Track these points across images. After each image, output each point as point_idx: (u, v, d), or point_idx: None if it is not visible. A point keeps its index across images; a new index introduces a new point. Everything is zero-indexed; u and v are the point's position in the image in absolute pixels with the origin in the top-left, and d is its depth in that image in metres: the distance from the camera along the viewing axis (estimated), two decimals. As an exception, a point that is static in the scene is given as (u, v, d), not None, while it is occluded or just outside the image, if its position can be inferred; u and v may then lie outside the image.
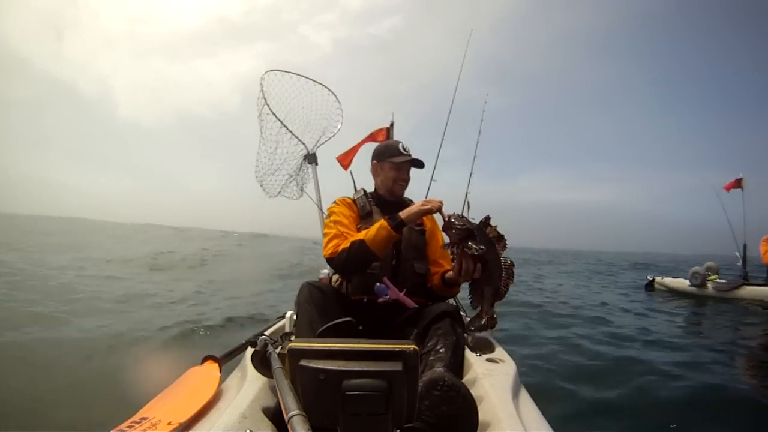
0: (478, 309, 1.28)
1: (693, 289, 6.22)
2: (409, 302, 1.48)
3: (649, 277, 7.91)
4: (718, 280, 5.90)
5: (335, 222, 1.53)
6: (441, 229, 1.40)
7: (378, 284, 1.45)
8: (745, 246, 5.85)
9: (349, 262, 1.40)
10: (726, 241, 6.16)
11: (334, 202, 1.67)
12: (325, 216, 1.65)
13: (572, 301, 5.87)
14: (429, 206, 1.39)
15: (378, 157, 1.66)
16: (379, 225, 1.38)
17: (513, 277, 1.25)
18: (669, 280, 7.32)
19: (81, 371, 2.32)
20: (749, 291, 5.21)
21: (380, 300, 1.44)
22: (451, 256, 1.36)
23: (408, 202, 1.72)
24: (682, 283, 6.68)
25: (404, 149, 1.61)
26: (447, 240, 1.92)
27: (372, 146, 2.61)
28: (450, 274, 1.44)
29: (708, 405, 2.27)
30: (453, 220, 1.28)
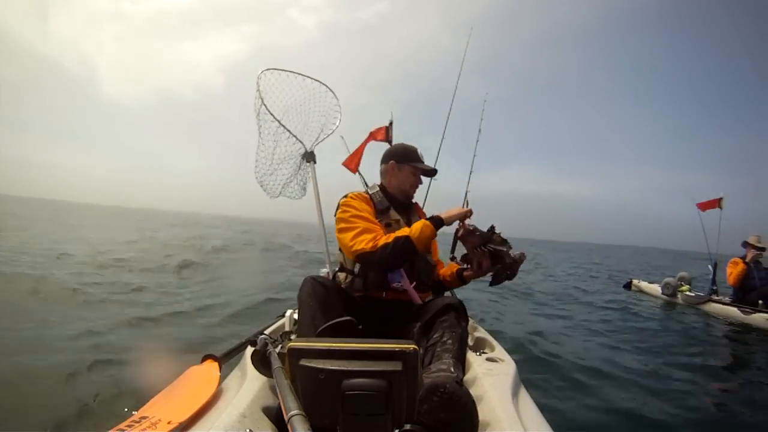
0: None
1: (664, 296, 6.89)
2: (415, 296, 1.50)
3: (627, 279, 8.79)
4: (688, 293, 6.41)
5: (357, 217, 1.49)
6: (459, 236, 1.50)
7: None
8: (716, 264, 6.36)
9: (393, 256, 1.40)
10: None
11: (348, 196, 1.61)
12: (336, 211, 1.59)
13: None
14: (465, 211, 1.50)
15: (398, 158, 1.70)
16: (423, 224, 1.44)
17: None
18: (644, 284, 7.92)
19: (79, 371, 2.31)
20: (714, 307, 5.77)
21: (393, 285, 1.49)
22: (470, 259, 1.53)
23: (415, 203, 1.81)
24: (656, 289, 7.27)
25: (421, 155, 1.73)
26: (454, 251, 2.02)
27: (375, 145, 2.64)
28: (468, 273, 1.63)
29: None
30: (472, 228, 1.48)
